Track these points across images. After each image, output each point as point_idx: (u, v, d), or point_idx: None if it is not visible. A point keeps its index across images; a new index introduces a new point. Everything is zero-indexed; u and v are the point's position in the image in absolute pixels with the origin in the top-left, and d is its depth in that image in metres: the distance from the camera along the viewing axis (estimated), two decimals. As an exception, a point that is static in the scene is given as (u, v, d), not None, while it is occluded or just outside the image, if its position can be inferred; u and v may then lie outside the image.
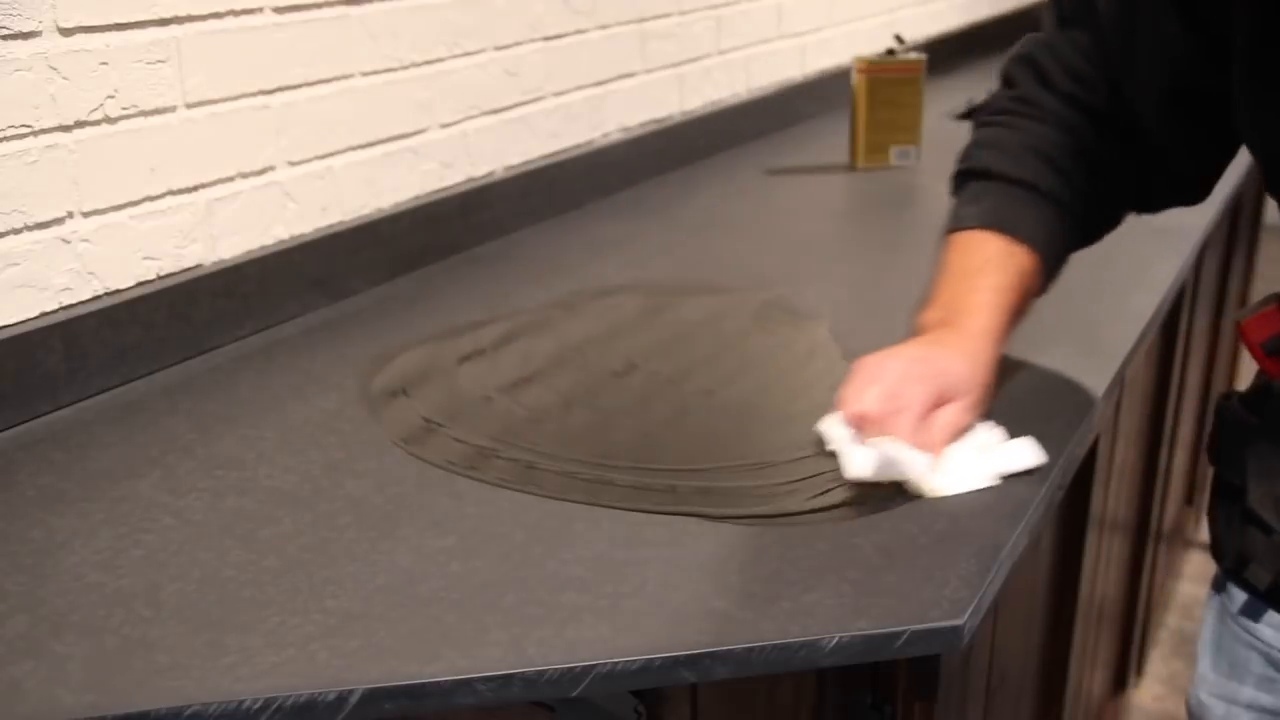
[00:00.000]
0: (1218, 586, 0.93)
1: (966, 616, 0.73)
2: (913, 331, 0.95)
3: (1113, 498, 1.43)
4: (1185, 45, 0.86)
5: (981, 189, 0.97)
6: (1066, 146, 0.94)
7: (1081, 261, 1.01)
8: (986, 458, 0.89)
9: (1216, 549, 0.92)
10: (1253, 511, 0.86)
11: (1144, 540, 1.73)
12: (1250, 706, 0.90)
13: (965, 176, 0.99)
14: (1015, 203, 0.94)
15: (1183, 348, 1.71)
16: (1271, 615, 0.87)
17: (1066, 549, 1.26)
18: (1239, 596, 0.90)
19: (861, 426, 0.87)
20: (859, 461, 0.87)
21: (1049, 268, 0.96)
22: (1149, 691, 2.01)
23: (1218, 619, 0.93)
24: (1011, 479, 0.88)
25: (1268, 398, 0.88)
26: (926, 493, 0.86)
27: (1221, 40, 0.82)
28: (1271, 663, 0.88)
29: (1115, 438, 1.35)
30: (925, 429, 0.87)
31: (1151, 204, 0.99)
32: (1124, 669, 1.85)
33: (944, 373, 0.88)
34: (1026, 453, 0.89)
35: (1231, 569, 0.90)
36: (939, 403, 0.88)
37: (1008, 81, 1.00)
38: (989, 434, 0.91)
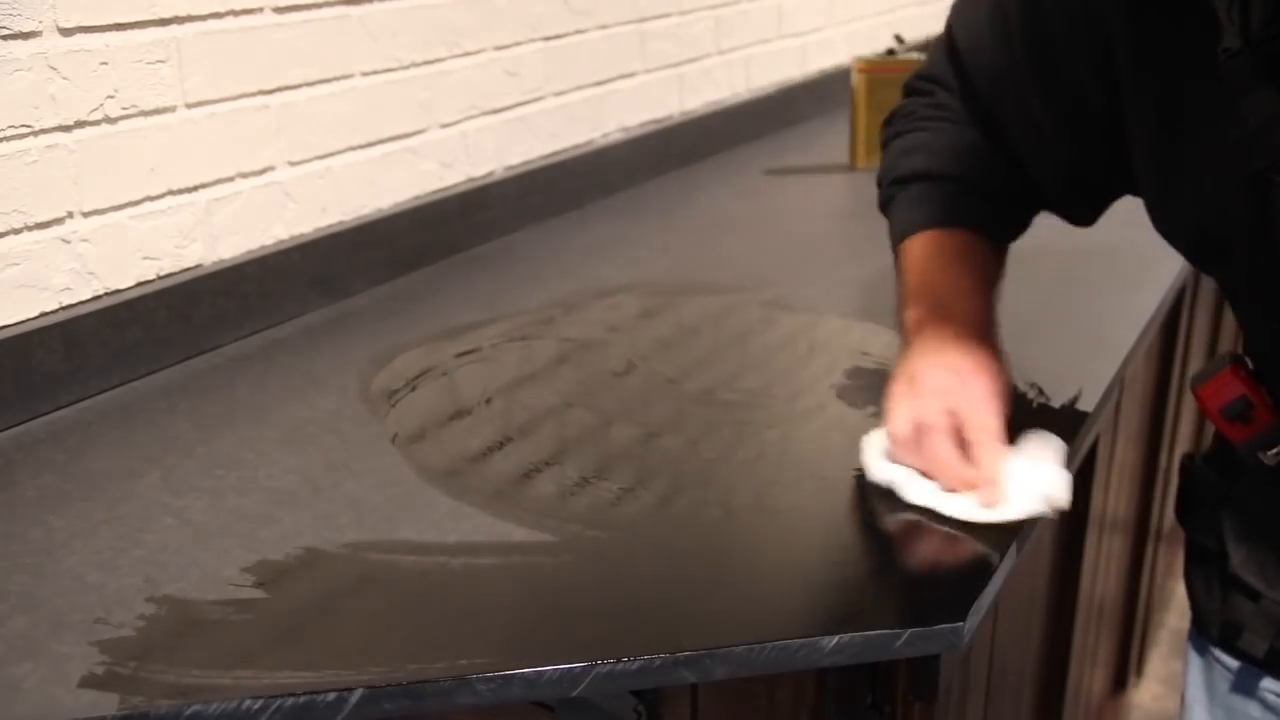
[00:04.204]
0: (1199, 645, 0.91)
1: (966, 617, 0.73)
2: (902, 332, 0.92)
3: (1113, 498, 1.43)
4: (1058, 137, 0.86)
5: (921, 193, 0.95)
6: (986, 146, 0.93)
7: (1082, 261, 1.01)
8: (1037, 476, 0.85)
9: (1199, 616, 0.90)
10: (1236, 577, 0.84)
11: (1144, 540, 1.73)
12: None
13: (899, 185, 0.97)
14: (960, 196, 0.94)
15: (1183, 348, 1.71)
16: (1269, 681, 0.84)
17: (1066, 549, 1.26)
18: (1230, 663, 0.87)
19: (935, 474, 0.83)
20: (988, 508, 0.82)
21: (1002, 253, 0.95)
22: (1149, 691, 2.01)
23: (1205, 671, 0.90)
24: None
25: (1232, 459, 0.85)
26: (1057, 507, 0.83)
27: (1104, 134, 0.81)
28: (1271, 709, 0.85)
29: (1115, 438, 1.35)
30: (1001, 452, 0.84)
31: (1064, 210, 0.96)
32: (1124, 669, 1.84)
33: (973, 385, 0.84)
34: (1061, 480, 0.85)
35: (1221, 638, 0.87)
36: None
37: (916, 92, 0.98)
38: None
